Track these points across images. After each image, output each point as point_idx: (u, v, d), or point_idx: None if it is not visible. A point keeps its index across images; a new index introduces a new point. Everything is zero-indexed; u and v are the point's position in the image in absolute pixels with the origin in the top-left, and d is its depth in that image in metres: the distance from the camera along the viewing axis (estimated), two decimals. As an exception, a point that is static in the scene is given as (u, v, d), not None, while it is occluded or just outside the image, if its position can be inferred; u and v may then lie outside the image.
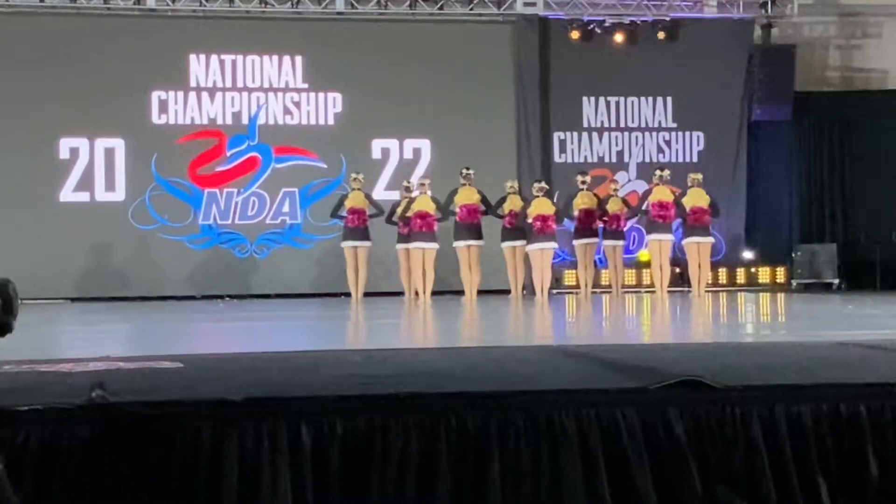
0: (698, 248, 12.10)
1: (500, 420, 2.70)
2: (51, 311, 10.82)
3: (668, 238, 12.25)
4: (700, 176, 12.46)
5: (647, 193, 12.60)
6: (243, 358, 4.21)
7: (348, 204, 12.02)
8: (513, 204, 12.10)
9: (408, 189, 12.37)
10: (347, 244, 12.05)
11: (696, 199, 12.12)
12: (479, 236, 12.00)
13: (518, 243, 12.10)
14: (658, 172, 12.57)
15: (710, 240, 12.27)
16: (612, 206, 12.56)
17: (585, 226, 12.39)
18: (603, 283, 13.08)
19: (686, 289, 12.52)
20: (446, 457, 2.66)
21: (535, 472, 2.70)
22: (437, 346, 5.55)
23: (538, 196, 12.03)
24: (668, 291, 12.24)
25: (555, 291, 12.95)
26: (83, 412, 2.53)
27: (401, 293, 12.31)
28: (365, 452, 2.64)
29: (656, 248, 12.25)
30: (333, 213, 12.34)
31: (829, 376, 3.13)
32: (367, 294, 12.15)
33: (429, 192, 12.01)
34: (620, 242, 12.71)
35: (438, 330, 7.94)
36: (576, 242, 12.53)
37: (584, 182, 12.60)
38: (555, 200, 12.93)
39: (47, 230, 13.11)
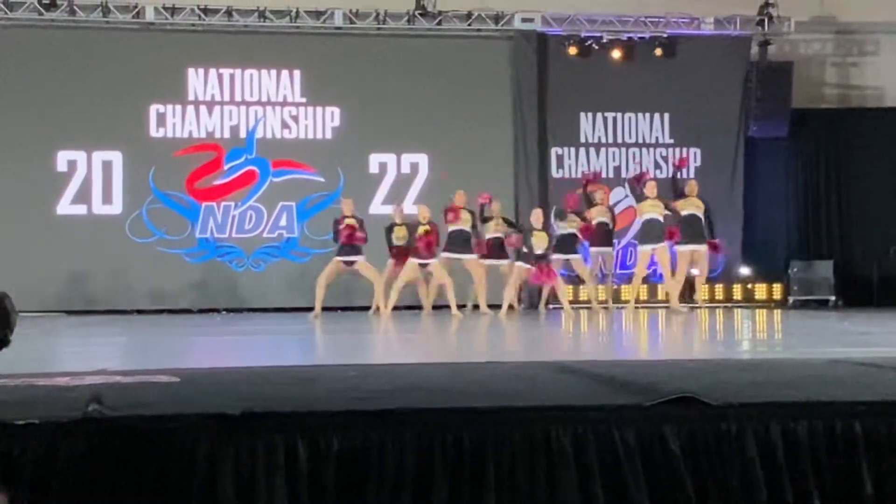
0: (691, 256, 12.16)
1: (495, 436, 2.70)
2: (47, 324, 10.80)
3: (661, 246, 12.20)
4: (695, 187, 12.28)
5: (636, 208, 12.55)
6: (239, 372, 4.21)
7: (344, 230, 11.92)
8: (497, 224, 12.09)
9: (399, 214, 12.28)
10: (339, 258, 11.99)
11: (694, 205, 12.05)
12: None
13: (503, 262, 12.18)
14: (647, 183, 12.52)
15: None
16: (596, 214, 12.54)
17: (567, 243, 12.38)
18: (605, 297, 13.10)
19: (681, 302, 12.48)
20: (442, 472, 2.66)
21: (531, 489, 2.71)
22: (432, 362, 5.55)
23: (536, 229, 11.94)
24: (641, 306, 12.36)
25: (551, 307, 12.94)
26: (80, 426, 2.53)
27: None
28: (361, 468, 2.64)
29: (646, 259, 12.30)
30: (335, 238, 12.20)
31: (825, 394, 3.13)
32: (356, 308, 12.20)
33: (428, 214, 11.99)
34: (608, 249, 12.70)
35: (434, 345, 7.94)
36: (553, 257, 12.50)
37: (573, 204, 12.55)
38: (552, 215, 12.93)
39: (44, 243, 13.09)
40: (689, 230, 12.00)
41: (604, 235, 12.55)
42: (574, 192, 12.76)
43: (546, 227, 12.08)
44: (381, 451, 2.66)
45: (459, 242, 11.89)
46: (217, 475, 2.55)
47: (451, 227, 11.91)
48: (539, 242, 11.78)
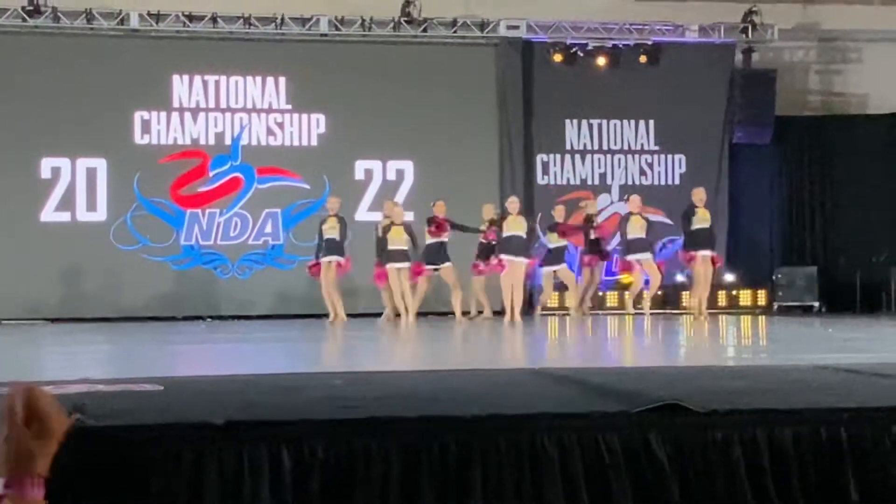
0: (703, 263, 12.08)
1: (482, 444, 2.69)
2: (31, 331, 10.74)
3: (646, 257, 12.17)
4: (702, 194, 12.00)
5: (624, 221, 12.48)
6: (224, 380, 4.19)
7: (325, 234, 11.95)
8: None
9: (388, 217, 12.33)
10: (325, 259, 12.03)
11: (703, 219, 11.95)
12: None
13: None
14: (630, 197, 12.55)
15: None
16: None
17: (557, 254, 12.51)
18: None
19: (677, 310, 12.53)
20: (428, 481, 2.65)
21: (517, 497, 2.70)
22: (418, 369, 5.54)
23: (512, 214, 11.98)
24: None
25: (541, 313, 12.95)
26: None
27: (378, 314, 12.29)
28: (346, 477, 2.63)
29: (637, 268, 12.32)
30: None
31: (810, 400, 3.14)
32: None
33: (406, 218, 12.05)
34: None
35: (419, 352, 7.93)
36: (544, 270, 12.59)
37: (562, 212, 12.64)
38: (537, 222, 12.96)
39: (28, 250, 13.03)
40: (698, 242, 11.82)
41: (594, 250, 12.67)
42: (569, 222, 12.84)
43: (528, 223, 12.10)
44: (367, 460, 2.65)
45: (435, 254, 11.91)
46: (201, 485, 2.53)
47: (430, 240, 11.93)
48: (515, 227, 11.81)
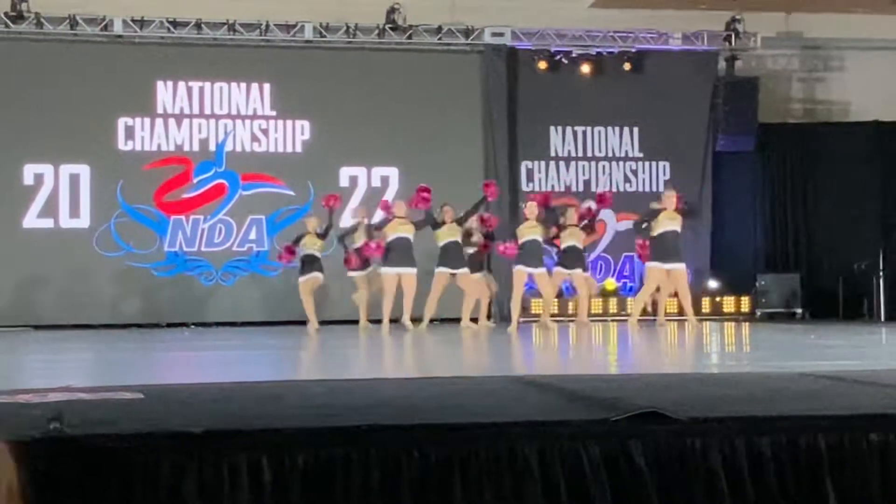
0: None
1: (462, 452, 2.70)
2: (13, 338, 10.69)
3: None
4: (672, 198, 11.37)
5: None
6: (205, 388, 4.18)
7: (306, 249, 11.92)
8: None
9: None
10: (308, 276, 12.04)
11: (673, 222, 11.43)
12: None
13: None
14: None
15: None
16: (567, 237, 12.07)
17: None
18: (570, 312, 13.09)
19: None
20: (408, 489, 2.65)
21: (497, 505, 2.70)
22: (400, 377, 5.53)
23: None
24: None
25: (521, 320, 12.92)
26: (40, 445, 2.50)
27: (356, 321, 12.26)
28: (326, 485, 2.63)
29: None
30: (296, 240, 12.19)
31: (789, 408, 3.16)
32: (325, 322, 12.12)
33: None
34: (578, 272, 12.25)
35: (401, 360, 7.92)
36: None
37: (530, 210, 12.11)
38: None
39: (10, 257, 12.96)
40: (662, 249, 11.13)
41: (575, 258, 11.95)
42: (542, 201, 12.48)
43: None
44: (347, 468, 2.65)
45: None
46: (180, 494, 2.52)
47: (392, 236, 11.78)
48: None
